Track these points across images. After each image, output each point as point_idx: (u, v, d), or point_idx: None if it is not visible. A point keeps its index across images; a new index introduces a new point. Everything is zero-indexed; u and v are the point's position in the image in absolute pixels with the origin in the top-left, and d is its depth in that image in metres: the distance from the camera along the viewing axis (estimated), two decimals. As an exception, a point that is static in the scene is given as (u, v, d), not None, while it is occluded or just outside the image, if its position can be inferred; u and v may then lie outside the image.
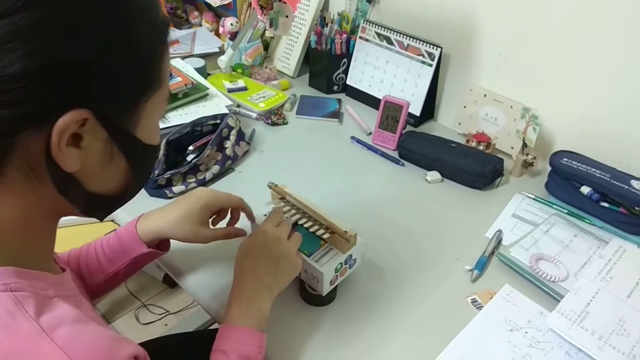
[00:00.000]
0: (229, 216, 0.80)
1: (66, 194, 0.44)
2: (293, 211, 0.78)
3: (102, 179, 0.47)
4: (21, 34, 0.36)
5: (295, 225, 0.77)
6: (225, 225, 0.79)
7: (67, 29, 0.38)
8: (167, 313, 1.74)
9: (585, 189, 0.96)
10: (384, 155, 1.12)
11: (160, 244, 0.76)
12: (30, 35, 0.36)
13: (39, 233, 0.46)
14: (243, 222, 0.80)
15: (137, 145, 0.47)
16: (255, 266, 0.68)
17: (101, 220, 0.52)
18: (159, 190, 0.94)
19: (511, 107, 1.09)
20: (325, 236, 0.74)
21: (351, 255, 0.75)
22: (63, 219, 0.50)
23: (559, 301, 0.77)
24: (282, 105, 1.26)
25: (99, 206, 0.50)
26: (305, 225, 0.76)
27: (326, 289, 0.73)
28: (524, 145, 1.07)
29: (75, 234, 0.93)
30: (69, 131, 0.40)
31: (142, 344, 0.97)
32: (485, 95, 1.13)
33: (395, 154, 1.12)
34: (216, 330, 0.65)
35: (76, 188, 0.45)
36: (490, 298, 0.79)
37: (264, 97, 1.25)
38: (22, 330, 0.39)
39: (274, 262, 0.68)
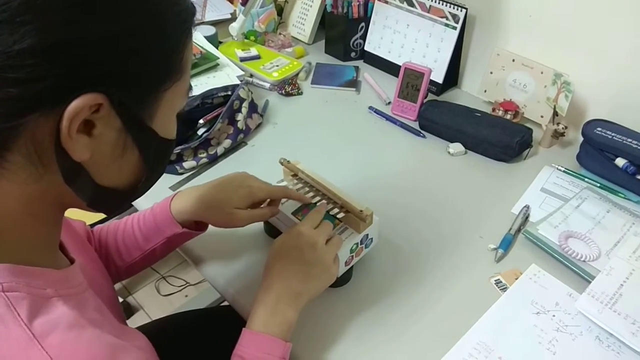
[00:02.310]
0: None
1: (73, 185, 0.42)
2: (306, 189, 0.74)
3: (112, 172, 0.44)
4: (35, 7, 0.33)
5: (308, 204, 0.73)
6: None
7: (86, 5, 0.35)
8: (187, 284, 1.75)
9: (620, 161, 0.90)
10: (403, 126, 1.07)
11: (198, 224, 0.74)
12: (44, 9, 0.34)
13: (42, 225, 0.44)
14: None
15: (153, 138, 0.44)
16: (285, 270, 0.63)
17: (108, 215, 0.49)
18: (170, 166, 0.92)
19: (542, 72, 1.02)
20: (340, 215, 0.70)
21: (367, 235, 0.71)
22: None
23: (589, 282, 0.72)
24: (297, 75, 1.21)
25: (107, 200, 0.47)
26: (319, 204, 0.72)
27: (341, 269, 0.70)
28: (555, 114, 1.01)
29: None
30: (81, 117, 0.37)
31: (156, 322, 0.99)
32: (513, 60, 1.06)
33: (415, 125, 1.07)
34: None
35: (84, 179, 0.42)
36: (516, 279, 0.76)
37: (277, 65, 1.20)
38: (12, 335, 0.37)
39: (306, 268, 0.63)
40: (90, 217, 0.75)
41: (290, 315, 0.61)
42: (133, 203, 0.87)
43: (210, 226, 0.74)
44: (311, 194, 0.74)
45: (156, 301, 1.71)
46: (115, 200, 0.48)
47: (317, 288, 0.65)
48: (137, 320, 1.65)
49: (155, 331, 0.94)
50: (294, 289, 0.62)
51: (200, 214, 0.70)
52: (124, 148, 0.42)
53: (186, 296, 1.73)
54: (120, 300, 1.64)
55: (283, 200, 0.75)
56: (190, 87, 0.47)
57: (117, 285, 1.73)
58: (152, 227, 0.71)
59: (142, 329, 0.94)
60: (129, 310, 1.66)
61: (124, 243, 0.72)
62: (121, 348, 0.42)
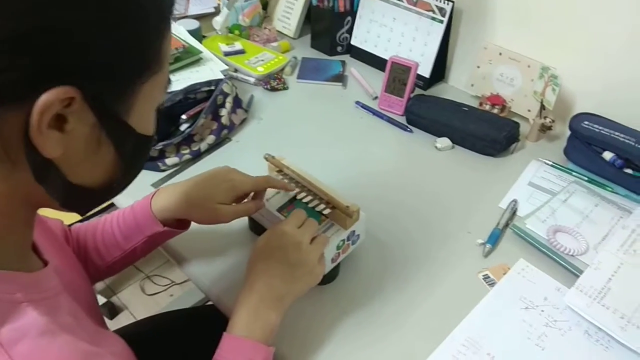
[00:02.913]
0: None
1: (44, 183, 0.39)
2: (292, 185, 0.73)
3: (86, 169, 0.41)
4: None
5: (293, 200, 0.72)
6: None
7: None
8: (173, 284, 1.72)
9: (607, 155, 0.90)
10: (390, 121, 1.06)
11: (180, 222, 0.71)
12: None
13: (12, 226, 0.41)
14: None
15: (129, 134, 0.42)
16: (269, 271, 0.61)
17: (82, 215, 0.47)
18: (151, 162, 0.90)
19: (529, 66, 1.01)
20: (325, 211, 0.69)
21: (354, 232, 0.70)
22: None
23: (578, 277, 0.72)
24: (282, 69, 1.19)
25: (80, 199, 0.44)
26: (305, 200, 0.71)
27: (327, 266, 0.69)
28: (542, 107, 1.00)
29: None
30: (51, 111, 0.35)
31: (140, 322, 0.96)
32: (500, 54, 1.05)
33: (402, 120, 1.06)
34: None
35: (55, 177, 0.39)
36: (504, 274, 0.75)
37: (262, 60, 1.18)
38: None
39: (290, 269, 0.61)
40: (69, 216, 0.73)
41: (273, 319, 0.59)
42: (113, 201, 0.85)
43: (193, 224, 0.72)
44: (297, 189, 0.72)
45: (141, 301, 1.68)
46: (89, 200, 0.45)
47: (301, 289, 0.63)
48: (122, 320, 1.62)
49: (140, 331, 0.93)
50: (277, 291, 0.60)
51: (182, 211, 0.68)
52: (98, 144, 0.40)
53: (171, 295, 1.70)
54: (105, 300, 1.61)
55: (268, 196, 0.73)
56: (169, 81, 0.45)
57: (101, 285, 1.72)
58: (132, 225, 0.69)
59: (127, 329, 0.92)
60: (113, 311, 1.63)
61: (103, 242, 0.70)
62: (94, 356, 0.40)
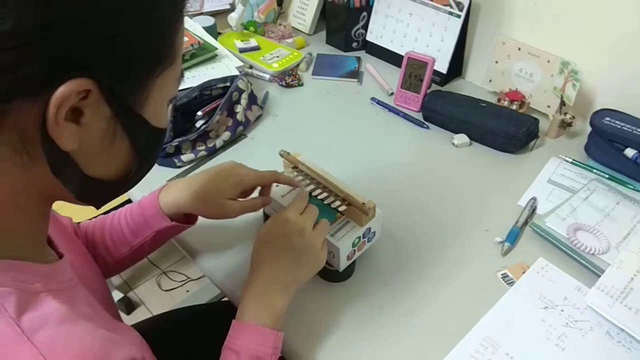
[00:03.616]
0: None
1: (60, 176, 0.39)
2: (307, 181, 0.72)
3: (101, 162, 0.42)
4: None
5: (309, 196, 0.71)
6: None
7: None
8: (188, 279, 1.73)
9: (629, 152, 0.88)
10: (406, 117, 1.05)
11: (188, 216, 0.72)
12: None
13: (29, 219, 0.42)
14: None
15: (144, 127, 0.42)
16: (274, 259, 0.61)
17: (97, 208, 0.47)
18: (167, 159, 0.90)
19: (548, 61, 0.99)
20: (341, 208, 0.68)
21: (370, 229, 0.69)
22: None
23: (599, 276, 0.70)
24: (297, 65, 1.18)
25: (96, 192, 0.45)
26: (320, 197, 0.70)
27: (343, 264, 0.69)
28: (562, 103, 0.98)
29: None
30: (68, 103, 0.35)
31: (156, 317, 0.97)
32: (519, 49, 1.03)
33: (419, 116, 1.05)
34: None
35: (72, 170, 0.40)
36: (523, 273, 0.73)
37: (277, 56, 1.17)
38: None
39: (295, 256, 0.61)
40: (80, 213, 0.73)
41: (281, 305, 0.60)
42: (129, 196, 0.86)
43: (208, 219, 0.72)
44: (312, 186, 0.71)
45: (157, 296, 1.70)
46: (104, 192, 0.46)
47: (307, 275, 0.63)
48: (138, 315, 1.64)
49: (155, 327, 0.93)
50: (283, 277, 0.61)
51: (190, 206, 0.68)
52: (113, 137, 0.40)
53: (187, 291, 1.71)
54: (121, 295, 1.63)
55: (283, 193, 0.73)
56: (182, 75, 0.45)
57: (118, 280, 1.73)
58: (140, 221, 0.69)
59: (143, 324, 0.93)
60: (130, 306, 1.64)
61: (111, 239, 0.70)
62: (115, 342, 0.41)
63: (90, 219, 0.73)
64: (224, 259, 0.76)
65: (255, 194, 0.73)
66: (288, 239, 0.62)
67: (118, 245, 0.70)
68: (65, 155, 0.38)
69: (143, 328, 0.85)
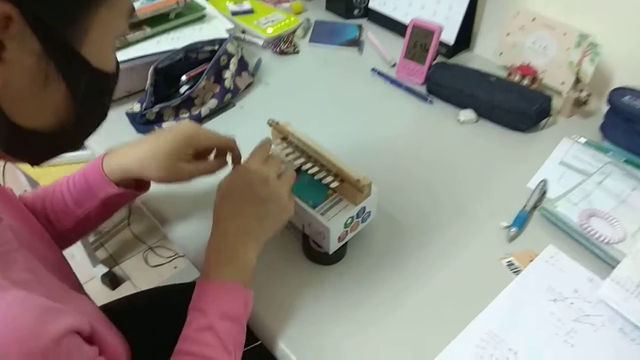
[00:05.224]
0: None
1: None
2: (296, 154, 0.65)
3: (32, 108, 0.35)
4: None
5: (298, 171, 0.65)
6: None
7: None
8: (176, 256, 1.68)
9: (650, 133, 0.81)
10: (409, 90, 0.97)
11: (138, 183, 0.65)
12: None
13: None
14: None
15: (83, 68, 0.36)
16: (239, 211, 0.56)
17: (33, 165, 0.41)
18: (148, 126, 0.83)
19: (565, 33, 0.92)
20: (333, 185, 0.61)
21: (364, 208, 0.63)
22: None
23: (613, 267, 0.65)
24: (294, 32, 1.11)
25: (27, 144, 0.38)
26: (311, 172, 0.63)
27: (333, 246, 0.62)
28: (577, 80, 0.91)
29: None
30: None
31: (140, 294, 0.92)
32: (533, 20, 0.95)
33: (422, 89, 0.98)
34: None
35: None
36: (530, 261, 0.68)
37: (272, 21, 1.10)
38: None
39: (260, 205, 0.56)
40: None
41: (250, 259, 0.55)
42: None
43: (182, 186, 0.66)
44: (302, 159, 0.64)
45: (144, 272, 1.65)
46: (38, 146, 0.39)
47: (275, 226, 0.58)
48: (123, 291, 1.59)
49: (140, 303, 0.88)
50: (249, 229, 0.55)
51: (137, 170, 0.61)
52: (46, 79, 0.34)
53: (175, 267, 1.66)
54: (106, 270, 1.58)
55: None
56: (133, 9, 0.38)
57: (104, 254, 1.68)
58: (83, 189, 0.63)
59: (127, 299, 0.88)
60: (115, 281, 1.59)
61: (53, 209, 0.64)
62: (55, 311, 0.35)
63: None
64: (198, 229, 0.71)
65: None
66: (251, 188, 0.56)
67: (60, 216, 0.64)
68: None
69: (130, 303, 0.79)
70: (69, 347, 0.36)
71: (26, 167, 1.24)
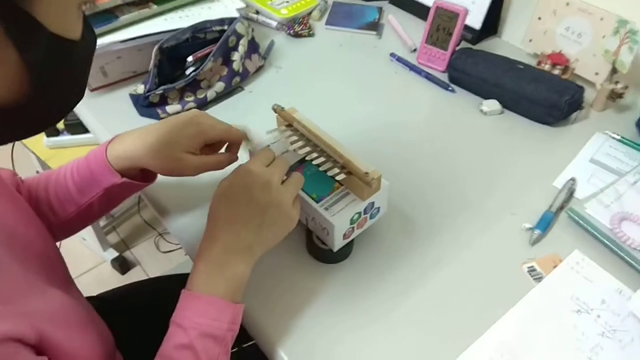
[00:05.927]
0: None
1: None
2: (301, 142, 0.61)
3: None
4: None
5: (303, 161, 0.60)
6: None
7: None
8: (187, 242, 1.66)
9: (693, 131, 0.74)
10: (430, 78, 0.91)
11: (145, 173, 0.62)
12: None
13: None
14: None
15: (37, 32, 0.31)
16: (233, 217, 0.51)
17: None
18: (150, 109, 0.80)
19: (602, 18, 0.84)
20: (340, 177, 0.57)
21: (373, 203, 0.58)
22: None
23: (646, 278, 0.59)
24: (310, 13, 1.06)
25: None
26: (316, 162, 0.59)
27: (338, 243, 0.58)
28: (613, 70, 0.85)
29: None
30: None
31: (147, 281, 0.90)
32: (567, 4, 0.88)
33: (444, 77, 0.92)
34: None
35: None
36: (554, 267, 0.62)
37: (287, 2, 1.05)
38: None
39: (259, 213, 0.51)
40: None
41: (241, 271, 0.50)
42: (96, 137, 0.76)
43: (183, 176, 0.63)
44: (307, 149, 0.60)
45: (154, 258, 1.63)
46: None
47: (275, 237, 0.53)
48: (133, 276, 1.58)
49: (146, 290, 0.85)
50: (244, 238, 0.51)
51: (142, 160, 0.58)
52: None
53: (186, 254, 1.64)
54: (116, 254, 1.56)
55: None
56: None
57: (115, 239, 1.67)
58: (86, 176, 0.59)
59: (137, 285, 0.86)
60: (125, 265, 1.58)
61: (56, 196, 0.61)
62: None
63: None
64: (197, 221, 0.67)
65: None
66: (250, 192, 0.52)
67: (63, 203, 0.61)
68: None
69: (140, 289, 0.75)
70: (3, 355, 0.32)
71: (36, 148, 1.22)
